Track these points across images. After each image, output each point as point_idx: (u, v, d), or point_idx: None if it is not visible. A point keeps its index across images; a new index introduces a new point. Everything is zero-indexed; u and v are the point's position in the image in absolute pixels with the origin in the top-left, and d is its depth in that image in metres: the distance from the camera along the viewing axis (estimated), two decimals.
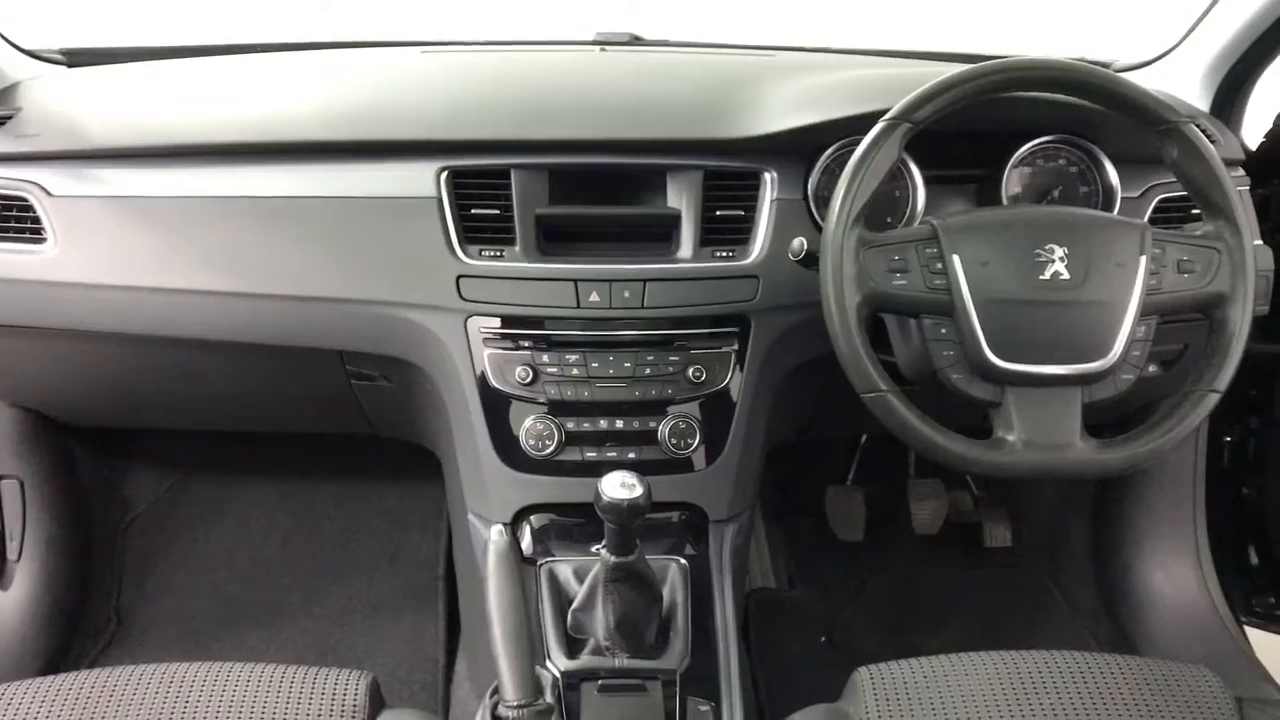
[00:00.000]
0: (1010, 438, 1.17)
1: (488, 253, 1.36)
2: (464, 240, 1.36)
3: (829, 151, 1.40)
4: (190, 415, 1.83)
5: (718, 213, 1.39)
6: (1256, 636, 1.80)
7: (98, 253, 1.39)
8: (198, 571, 1.99)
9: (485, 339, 1.36)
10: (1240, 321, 1.18)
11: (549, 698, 1.10)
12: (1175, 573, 1.85)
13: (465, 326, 1.36)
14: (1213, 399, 1.18)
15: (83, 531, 1.89)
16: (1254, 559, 1.84)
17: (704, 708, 1.21)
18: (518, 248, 1.36)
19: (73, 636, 1.81)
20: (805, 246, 1.26)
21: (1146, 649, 1.83)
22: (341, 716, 1.14)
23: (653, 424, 1.37)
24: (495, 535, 1.11)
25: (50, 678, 1.16)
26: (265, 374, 1.58)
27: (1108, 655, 1.22)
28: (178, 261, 1.39)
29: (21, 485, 1.78)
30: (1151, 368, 1.47)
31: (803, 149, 1.40)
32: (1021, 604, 2.04)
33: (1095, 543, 2.02)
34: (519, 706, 1.02)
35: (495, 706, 1.05)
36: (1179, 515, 1.85)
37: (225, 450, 2.10)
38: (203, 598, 1.95)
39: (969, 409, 1.21)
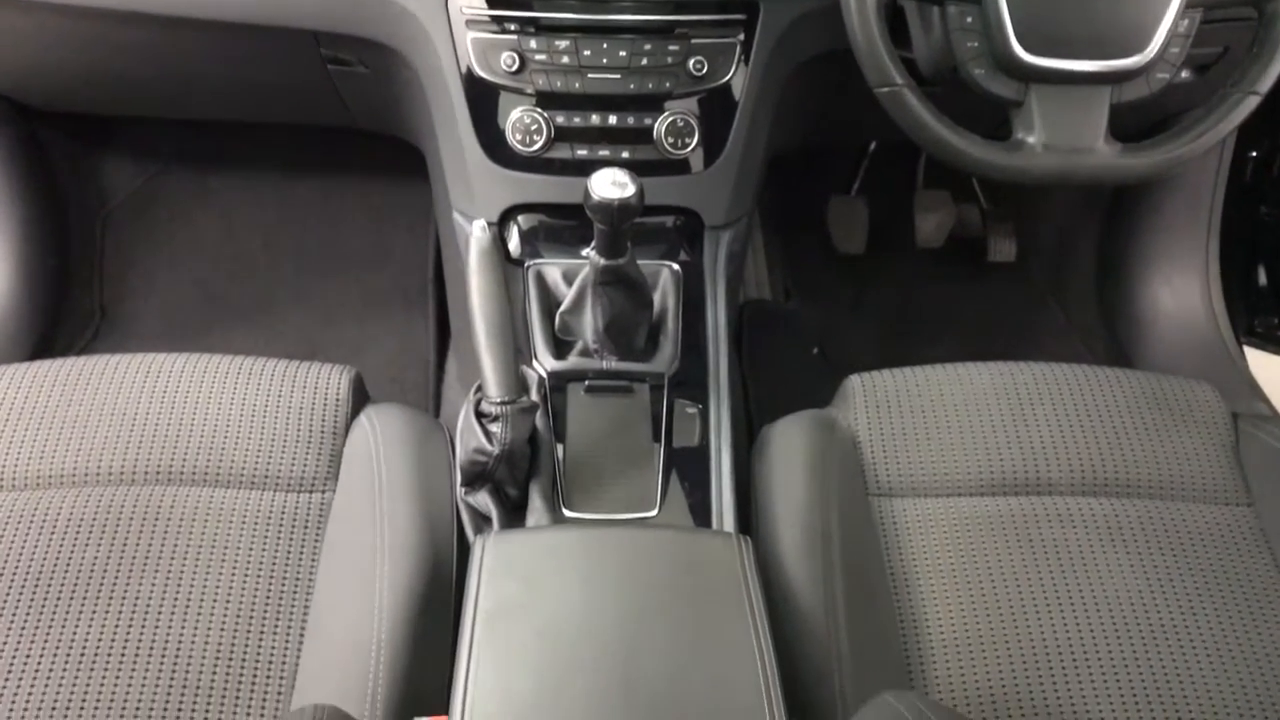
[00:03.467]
0: (1031, 139, 1.09)
1: None
2: None
3: None
4: (162, 101, 1.73)
5: None
6: (1254, 357, 1.79)
7: None
8: (181, 266, 1.95)
9: (468, 21, 1.25)
10: None
11: (534, 396, 1.08)
12: (1181, 289, 1.82)
13: (446, 6, 1.25)
14: (1252, 102, 1.09)
15: (58, 221, 1.84)
16: (1262, 279, 1.80)
17: (691, 410, 1.20)
18: None
19: (56, 328, 1.80)
20: None
21: (1144, 365, 1.82)
22: (324, 409, 1.12)
23: (648, 121, 1.29)
24: (478, 231, 1.05)
25: (30, 363, 1.15)
26: (237, 57, 1.48)
27: (1107, 368, 1.20)
28: None
29: None
30: (1184, 73, 1.37)
31: None
32: (1021, 319, 2.02)
33: (1102, 258, 1.98)
34: (502, 403, 1.00)
35: (479, 403, 1.03)
36: (1192, 231, 1.80)
37: (203, 142, 2.01)
38: (187, 293, 1.92)
39: (987, 116, 1.13)
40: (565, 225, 1.33)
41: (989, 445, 1.13)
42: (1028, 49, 1.06)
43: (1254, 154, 1.75)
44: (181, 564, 1.01)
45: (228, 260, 1.96)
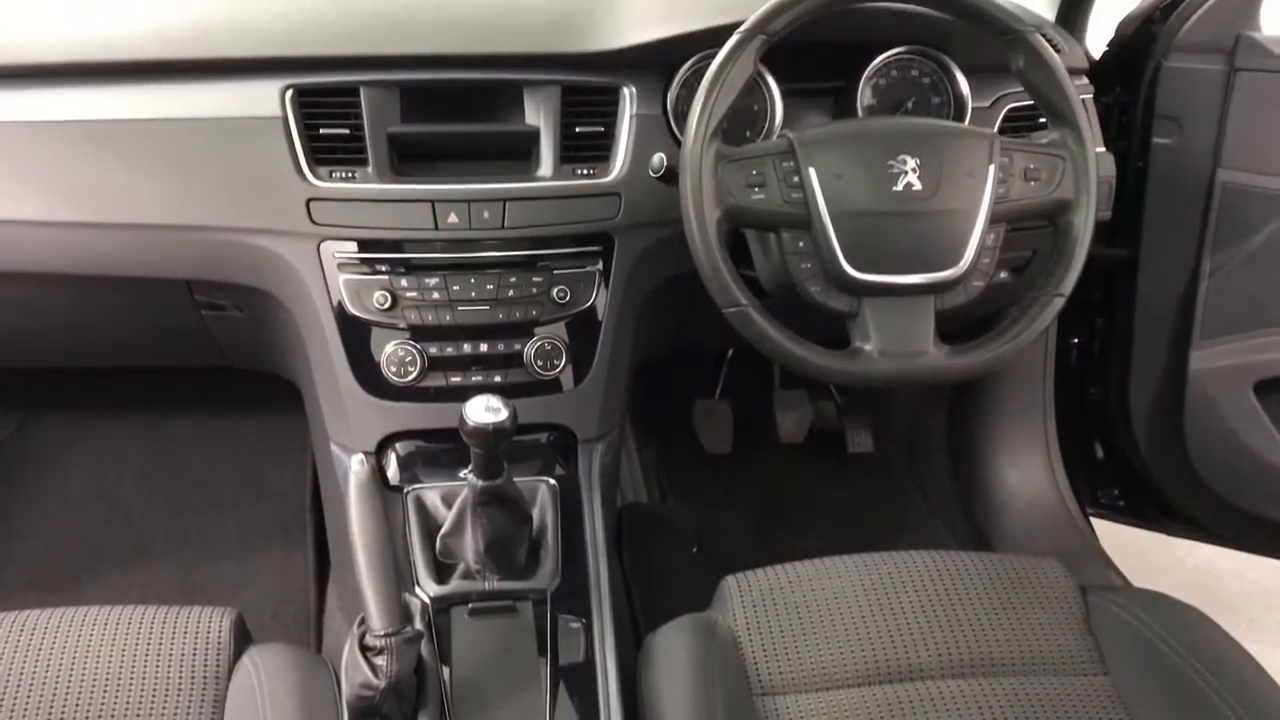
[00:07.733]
0: (867, 347, 1.19)
1: (339, 174, 1.31)
2: (313, 161, 1.30)
3: (687, 65, 1.38)
4: (32, 353, 1.73)
5: (577, 129, 1.36)
6: (1101, 527, 1.91)
7: None
8: (51, 514, 1.91)
9: (340, 264, 1.32)
10: (1083, 227, 1.22)
11: (418, 624, 1.09)
12: (1027, 470, 1.93)
13: (319, 251, 1.31)
14: (1058, 303, 1.22)
15: None
16: (1099, 453, 1.93)
17: (575, 625, 1.22)
18: (370, 168, 1.31)
19: None
20: (665, 162, 1.25)
21: (1000, 544, 1.91)
22: (205, 655, 1.11)
23: (518, 346, 1.36)
24: (356, 465, 1.09)
25: None
26: (109, 308, 1.51)
27: (962, 553, 1.27)
28: (6, 190, 1.30)
29: None
30: (1002, 274, 1.51)
31: (661, 62, 1.38)
32: (884, 506, 2.11)
33: (952, 444, 2.10)
34: (386, 635, 1.01)
35: (363, 637, 1.04)
36: (1030, 415, 1.93)
37: (73, 388, 2.00)
38: (59, 541, 1.87)
39: (829, 320, 1.23)
40: (442, 449, 1.37)
41: (860, 637, 1.18)
42: (856, 268, 1.17)
43: (1075, 341, 1.91)
44: None
45: (100, 505, 1.93)
